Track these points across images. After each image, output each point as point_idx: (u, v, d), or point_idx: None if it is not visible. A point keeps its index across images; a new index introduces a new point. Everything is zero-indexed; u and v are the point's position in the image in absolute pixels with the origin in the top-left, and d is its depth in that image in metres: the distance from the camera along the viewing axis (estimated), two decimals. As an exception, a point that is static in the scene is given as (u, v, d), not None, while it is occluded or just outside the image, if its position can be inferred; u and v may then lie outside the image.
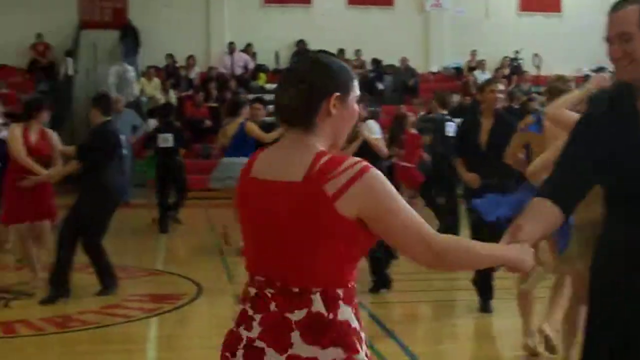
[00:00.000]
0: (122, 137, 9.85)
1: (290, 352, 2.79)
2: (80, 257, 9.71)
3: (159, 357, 7.14)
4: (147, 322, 8.35)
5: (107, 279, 9.58)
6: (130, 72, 22.84)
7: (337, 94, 2.88)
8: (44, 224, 9.86)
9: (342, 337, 2.80)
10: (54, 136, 9.75)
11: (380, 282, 9.56)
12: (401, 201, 2.83)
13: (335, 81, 2.89)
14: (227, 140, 12.42)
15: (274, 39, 25.61)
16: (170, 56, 24.95)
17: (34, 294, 9.42)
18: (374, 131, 9.92)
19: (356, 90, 2.97)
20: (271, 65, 25.97)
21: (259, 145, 11.53)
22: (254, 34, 25.79)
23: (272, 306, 2.84)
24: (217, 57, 25.66)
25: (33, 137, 9.51)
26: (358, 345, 2.83)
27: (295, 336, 2.79)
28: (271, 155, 2.95)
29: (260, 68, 25.77)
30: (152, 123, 20.22)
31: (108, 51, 24.96)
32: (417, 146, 13.80)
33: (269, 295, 2.86)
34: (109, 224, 9.65)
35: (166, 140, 14.19)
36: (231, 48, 25.39)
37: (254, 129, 11.95)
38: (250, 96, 23.86)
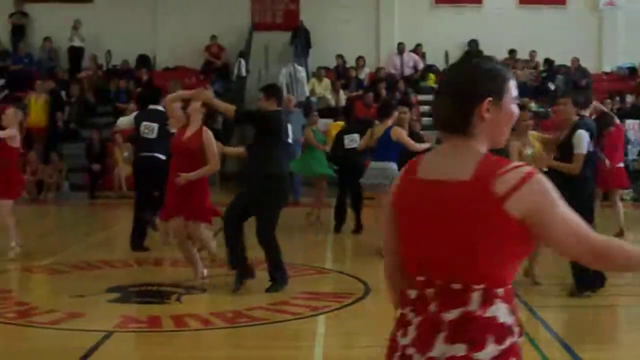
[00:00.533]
0: (290, 134, 9.91)
1: (429, 354, 2.78)
2: (251, 253, 9.86)
3: (326, 354, 7.16)
4: (315, 320, 8.40)
5: (279, 275, 9.65)
6: (301, 72, 23.14)
7: (490, 98, 2.87)
8: (194, 224, 9.91)
9: (475, 334, 2.77)
10: (206, 134, 9.85)
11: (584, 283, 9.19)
12: (562, 204, 2.80)
13: (486, 86, 2.88)
14: (372, 143, 12.30)
15: (443, 39, 25.43)
16: (340, 57, 25.13)
17: (206, 289, 9.63)
18: None
19: (512, 91, 2.94)
20: (441, 65, 25.79)
21: (406, 151, 11.52)
22: (423, 34, 25.70)
23: (432, 307, 2.82)
24: (387, 57, 25.67)
25: (188, 133, 9.69)
26: (491, 342, 2.77)
27: (440, 337, 2.78)
28: (436, 158, 2.94)
29: (429, 68, 25.64)
30: (321, 123, 20.40)
31: (279, 52, 25.37)
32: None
33: (429, 296, 2.84)
34: (278, 212, 9.74)
35: (354, 140, 14.19)
36: (400, 48, 25.34)
37: (402, 134, 11.86)
38: (420, 97, 23.88)
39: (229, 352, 7.47)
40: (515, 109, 2.96)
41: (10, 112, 11.98)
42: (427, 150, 2.92)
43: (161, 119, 11.90)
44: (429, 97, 24.53)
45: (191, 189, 9.51)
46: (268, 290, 9.50)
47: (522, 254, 2.88)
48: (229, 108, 9.84)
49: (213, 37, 25.45)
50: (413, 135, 12.96)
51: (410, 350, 2.82)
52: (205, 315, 8.47)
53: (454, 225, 2.80)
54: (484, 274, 2.79)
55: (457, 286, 2.79)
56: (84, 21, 25.32)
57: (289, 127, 9.89)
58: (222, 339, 7.90)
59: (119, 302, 9.16)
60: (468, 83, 2.89)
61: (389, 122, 12.15)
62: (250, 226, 9.74)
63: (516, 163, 2.82)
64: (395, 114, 12.40)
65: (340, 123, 17.18)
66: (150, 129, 12.14)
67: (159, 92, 13.24)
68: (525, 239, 2.81)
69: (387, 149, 11.80)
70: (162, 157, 11.73)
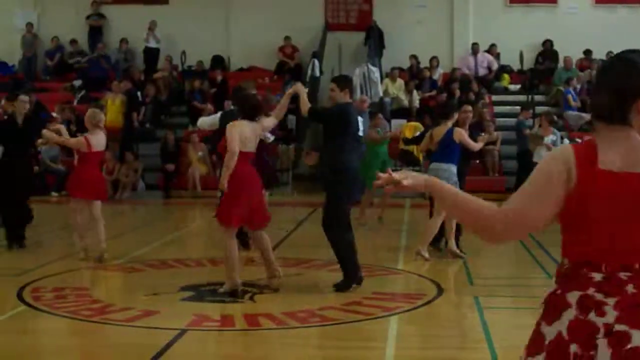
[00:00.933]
0: (361, 127, 9.82)
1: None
2: (325, 254, 9.88)
3: (398, 355, 7.14)
4: (387, 321, 8.38)
5: (348, 272, 9.62)
6: (375, 73, 23.11)
7: None
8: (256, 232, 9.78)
9: None
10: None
11: None
12: None
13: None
14: (433, 145, 12.13)
15: (518, 39, 25.19)
16: (413, 57, 25.05)
17: (279, 289, 9.66)
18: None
19: None
20: (515, 65, 25.57)
21: (467, 152, 11.46)
22: (497, 34, 25.49)
23: (630, 288, 2.91)
24: (461, 57, 25.51)
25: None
26: None
27: None
28: (614, 149, 3.03)
29: (504, 69, 25.42)
30: (395, 123, 20.38)
31: (353, 52, 25.39)
32: None
33: (625, 278, 2.93)
34: (348, 208, 9.70)
35: None
36: (474, 49, 25.16)
37: (463, 136, 11.71)
38: (494, 97, 23.70)
39: (301, 351, 7.49)
40: None
41: (89, 113, 12.21)
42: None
43: None
44: (503, 98, 24.37)
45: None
46: (335, 286, 9.53)
47: None
48: (305, 103, 9.80)
49: (287, 37, 25.56)
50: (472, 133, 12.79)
51: (622, 327, 2.87)
52: (277, 315, 8.50)
53: None
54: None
55: None
56: (159, 22, 25.64)
57: (360, 120, 9.79)
58: (294, 338, 7.92)
59: (193, 301, 9.25)
60: (623, 80, 3.02)
61: (449, 123, 12.02)
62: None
63: None
64: (456, 115, 12.23)
65: (414, 124, 17.15)
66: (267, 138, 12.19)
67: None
68: None
69: (449, 150, 11.68)
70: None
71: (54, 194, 20.93)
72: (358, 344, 7.72)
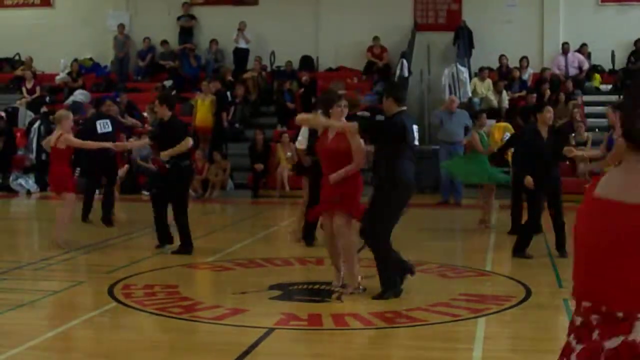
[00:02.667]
0: (415, 128, 9.56)
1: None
2: (412, 255, 9.83)
3: (485, 357, 7.08)
4: (475, 322, 8.32)
5: (387, 282, 9.37)
6: (464, 73, 22.96)
7: None
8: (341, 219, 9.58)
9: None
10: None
11: None
12: None
13: None
14: None
15: (609, 38, 24.76)
16: (503, 57, 24.81)
17: (366, 289, 9.66)
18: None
19: None
20: (607, 65, 25.13)
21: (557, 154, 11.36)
22: (588, 33, 25.09)
23: (595, 334, 2.69)
24: (551, 57, 25.18)
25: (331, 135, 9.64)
26: None
27: None
28: (617, 177, 2.75)
29: (595, 69, 25.02)
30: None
31: (442, 52, 25.27)
32: None
33: (594, 322, 2.71)
34: (398, 218, 9.53)
35: None
36: (565, 48, 24.81)
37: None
38: (586, 98, 23.33)
39: (387, 352, 7.48)
40: None
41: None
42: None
43: None
44: (595, 98, 23.97)
45: (345, 186, 9.47)
46: (374, 298, 9.26)
47: None
48: (346, 124, 9.59)
49: (375, 37, 25.55)
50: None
51: None
52: (364, 315, 8.50)
53: (625, 251, 2.63)
54: None
55: (620, 314, 2.64)
56: (248, 23, 25.87)
57: (415, 128, 9.51)
58: (381, 338, 7.92)
59: (281, 300, 9.31)
60: None
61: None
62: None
63: None
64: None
65: (503, 124, 16.97)
66: None
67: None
68: None
69: None
70: None
71: (145, 192, 21.27)
72: (445, 345, 7.69)
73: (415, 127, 9.43)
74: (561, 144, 12.42)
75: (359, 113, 12.62)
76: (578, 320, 2.78)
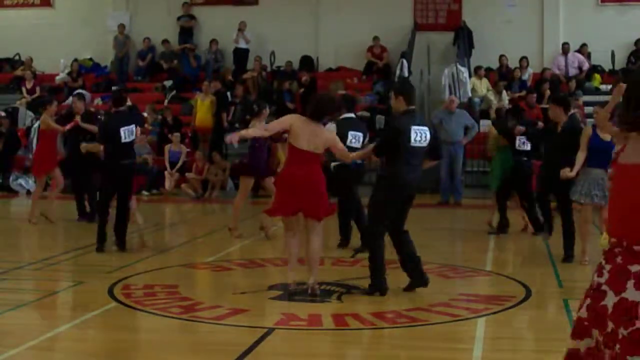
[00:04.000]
0: (420, 129, 9.46)
1: (622, 295, 3.71)
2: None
3: (485, 357, 7.08)
4: (475, 322, 8.32)
5: (375, 279, 9.40)
6: (464, 73, 22.95)
7: None
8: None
9: None
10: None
11: None
12: None
13: None
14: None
15: (609, 38, 24.76)
16: (503, 57, 24.81)
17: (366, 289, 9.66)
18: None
19: None
20: (607, 66, 25.13)
21: None
22: (588, 33, 25.09)
23: (619, 259, 3.78)
24: (551, 57, 25.18)
25: None
26: None
27: (630, 284, 3.70)
28: (632, 148, 3.79)
29: (595, 69, 25.01)
30: (483, 124, 20.23)
31: (442, 53, 25.27)
32: None
33: (617, 252, 3.80)
34: (389, 217, 9.40)
35: (525, 143, 13.97)
36: (565, 48, 24.81)
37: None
38: (586, 98, 23.32)
39: (388, 352, 7.48)
40: None
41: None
42: None
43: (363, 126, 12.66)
44: (595, 98, 23.95)
45: None
46: (363, 290, 9.47)
47: None
48: (366, 152, 9.89)
49: (375, 37, 25.55)
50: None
51: (605, 287, 3.82)
52: (365, 315, 8.50)
53: (637, 202, 3.75)
54: None
55: (637, 247, 3.75)
56: (248, 23, 25.86)
57: (416, 129, 9.40)
58: (381, 339, 7.92)
59: (281, 300, 9.30)
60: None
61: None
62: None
63: None
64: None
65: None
66: (357, 138, 12.20)
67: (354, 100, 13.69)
68: None
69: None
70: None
71: (144, 192, 21.28)
72: (445, 345, 7.68)
73: (420, 128, 9.34)
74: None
75: (358, 113, 12.61)
76: (608, 247, 3.88)
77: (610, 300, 3.74)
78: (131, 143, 12.46)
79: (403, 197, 9.39)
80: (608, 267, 3.79)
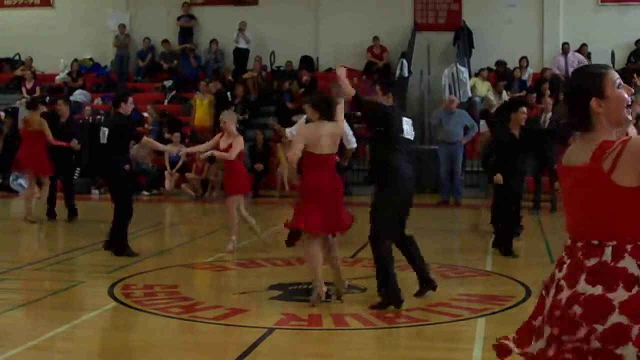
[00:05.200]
0: (410, 130, 9.44)
1: (575, 288, 3.64)
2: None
3: (485, 357, 7.08)
4: (475, 322, 8.32)
5: (385, 293, 8.90)
6: (464, 73, 22.96)
7: (594, 98, 3.75)
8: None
9: (608, 279, 3.58)
10: None
11: None
12: None
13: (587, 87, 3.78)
14: None
15: (609, 38, 24.73)
16: (503, 57, 24.81)
17: (366, 289, 9.67)
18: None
19: (614, 82, 3.75)
20: (608, 65, 25.12)
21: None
22: (588, 33, 25.07)
23: (579, 254, 3.70)
24: (551, 57, 25.18)
25: None
26: (621, 287, 3.57)
27: (582, 277, 3.63)
28: (573, 149, 3.87)
29: (595, 69, 24.98)
30: (483, 124, 20.23)
31: (442, 53, 25.27)
32: None
33: (579, 246, 3.72)
34: (395, 216, 9.12)
35: None
36: (565, 48, 24.81)
37: None
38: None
39: (388, 352, 7.48)
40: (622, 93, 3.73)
41: (226, 119, 12.42)
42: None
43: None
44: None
45: None
46: (373, 307, 8.82)
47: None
48: (349, 88, 9.43)
49: (375, 37, 25.55)
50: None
51: (562, 282, 3.72)
52: (365, 315, 8.50)
53: (584, 200, 3.72)
54: (612, 233, 3.62)
55: (595, 242, 3.66)
56: (248, 23, 25.87)
57: (405, 121, 9.31)
58: (381, 338, 7.92)
59: (281, 300, 9.31)
60: (574, 87, 3.91)
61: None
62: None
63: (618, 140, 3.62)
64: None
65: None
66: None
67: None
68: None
69: None
70: None
71: (145, 193, 21.29)
72: (445, 345, 7.69)
73: (406, 119, 9.25)
74: (532, 141, 12.40)
75: (357, 113, 12.62)
76: (569, 242, 3.80)
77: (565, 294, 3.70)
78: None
79: (407, 195, 9.13)
80: (568, 261, 3.76)
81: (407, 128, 9.28)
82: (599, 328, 3.54)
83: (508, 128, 12.01)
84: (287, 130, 13.27)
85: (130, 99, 12.36)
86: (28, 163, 15.79)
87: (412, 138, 9.25)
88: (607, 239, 3.63)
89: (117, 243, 11.94)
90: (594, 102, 3.70)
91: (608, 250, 3.62)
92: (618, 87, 3.73)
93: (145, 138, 12.87)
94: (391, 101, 9.35)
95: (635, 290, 3.56)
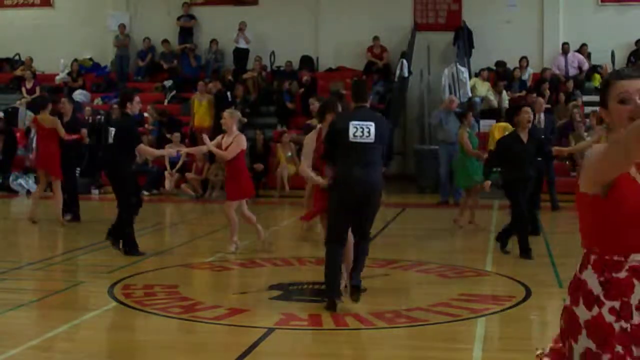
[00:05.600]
0: (360, 125, 9.40)
1: (566, 302, 3.64)
2: (413, 254, 9.82)
3: (485, 357, 7.09)
4: (475, 322, 8.32)
5: (326, 288, 8.99)
6: (464, 73, 22.96)
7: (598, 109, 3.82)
8: None
9: (573, 289, 3.60)
10: None
11: None
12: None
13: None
14: None
15: (609, 38, 24.73)
16: (501, 62, 24.81)
17: (367, 289, 9.67)
18: None
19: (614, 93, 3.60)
20: (607, 66, 25.10)
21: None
22: (588, 33, 25.08)
23: (578, 266, 3.65)
24: (551, 57, 25.18)
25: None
26: (581, 303, 3.52)
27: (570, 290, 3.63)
28: None
29: (595, 69, 25.00)
30: (483, 124, 20.23)
31: (442, 53, 25.27)
32: None
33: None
34: (345, 221, 8.93)
35: None
36: (565, 48, 24.81)
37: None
38: (585, 98, 23.32)
39: (387, 352, 7.48)
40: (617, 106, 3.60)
41: (227, 115, 12.39)
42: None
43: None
44: (595, 98, 23.97)
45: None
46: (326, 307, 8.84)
47: (604, 222, 3.52)
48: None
49: (375, 37, 25.54)
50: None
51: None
52: (365, 315, 8.50)
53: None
54: (590, 242, 3.60)
55: (585, 250, 3.65)
56: (248, 23, 25.86)
57: (356, 124, 9.24)
58: (381, 339, 7.92)
59: (281, 300, 9.31)
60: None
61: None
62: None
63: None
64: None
65: (503, 124, 16.96)
66: None
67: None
68: (602, 209, 3.51)
69: None
70: None
71: (145, 192, 21.28)
72: (445, 345, 7.69)
73: (361, 123, 9.10)
74: (540, 144, 12.41)
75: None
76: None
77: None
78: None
79: (354, 197, 8.80)
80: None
81: (361, 131, 9.05)
82: (575, 347, 3.50)
83: (517, 133, 11.99)
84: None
85: (137, 99, 12.34)
86: (41, 163, 15.73)
87: (370, 140, 8.96)
88: (584, 247, 3.65)
89: (127, 242, 11.97)
90: (601, 111, 3.68)
91: (591, 261, 3.59)
92: (621, 102, 3.54)
93: (141, 146, 12.60)
94: (353, 102, 9.32)
95: (595, 311, 3.47)
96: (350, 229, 8.94)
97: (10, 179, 22.07)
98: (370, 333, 8.05)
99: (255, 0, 26.75)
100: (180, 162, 21.93)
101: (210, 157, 21.87)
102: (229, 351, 7.19)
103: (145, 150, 13.26)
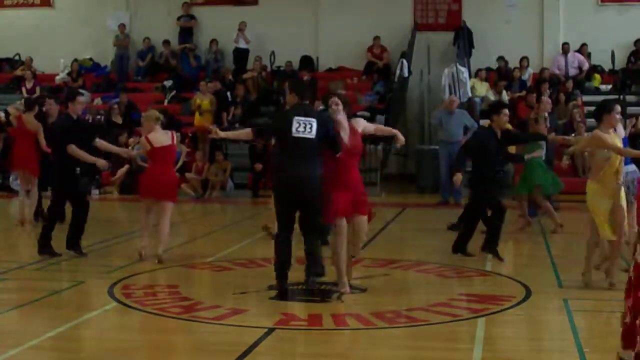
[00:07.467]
0: (306, 120, 9.46)
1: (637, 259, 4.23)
2: (413, 254, 9.82)
3: (485, 357, 7.08)
4: (475, 322, 8.32)
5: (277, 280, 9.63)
6: (464, 73, 22.95)
7: None
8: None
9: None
10: None
11: None
12: None
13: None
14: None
15: (609, 38, 24.75)
16: (502, 57, 24.82)
17: (367, 289, 9.67)
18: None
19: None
20: (607, 65, 25.12)
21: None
22: (588, 33, 25.09)
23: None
24: (551, 57, 25.18)
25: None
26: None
27: None
28: None
29: (595, 69, 25.01)
30: (483, 124, 20.22)
31: (442, 53, 25.27)
32: None
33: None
34: (282, 211, 9.51)
35: None
36: (565, 48, 24.81)
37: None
38: (585, 98, 23.33)
39: (388, 352, 7.47)
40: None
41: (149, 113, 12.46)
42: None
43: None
44: (594, 98, 23.97)
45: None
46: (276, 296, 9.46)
47: None
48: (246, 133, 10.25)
49: (375, 37, 25.55)
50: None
51: None
52: (365, 315, 8.51)
53: None
54: None
55: None
56: (248, 23, 25.86)
57: (299, 120, 9.34)
58: (381, 338, 7.91)
59: (281, 300, 9.30)
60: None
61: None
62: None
63: None
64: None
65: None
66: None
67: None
68: None
69: None
70: None
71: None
72: (445, 345, 7.68)
73: (304, 119, 9.21)
74: (506, 144, 12.48)
75: (358, 113, 12.64)
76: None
77: None
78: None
79: (287, 189, 9.38)
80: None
81: (303, 127, 9.25)
82: None
83: (492, 129, 12.07)
84: None
85: (81, 99, 12.23)
86: (19, 164, 15.68)
87: (311, 136, 9.21)
88: None
89: (42, 238, 11.96)
90: None
91: None
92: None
93: (98, 140, 12.46)
94: (297, 100, 9.58)
95: None
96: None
97: (10, 179, 22.06)
98: (370, 333, 8.04)
99: (255, 0, 26.76)
100: (180, 162, 21.89)
101: (212, 157, 21.90)
102: (229, 351, 7.19)
103: (102, 144, 12.84)
